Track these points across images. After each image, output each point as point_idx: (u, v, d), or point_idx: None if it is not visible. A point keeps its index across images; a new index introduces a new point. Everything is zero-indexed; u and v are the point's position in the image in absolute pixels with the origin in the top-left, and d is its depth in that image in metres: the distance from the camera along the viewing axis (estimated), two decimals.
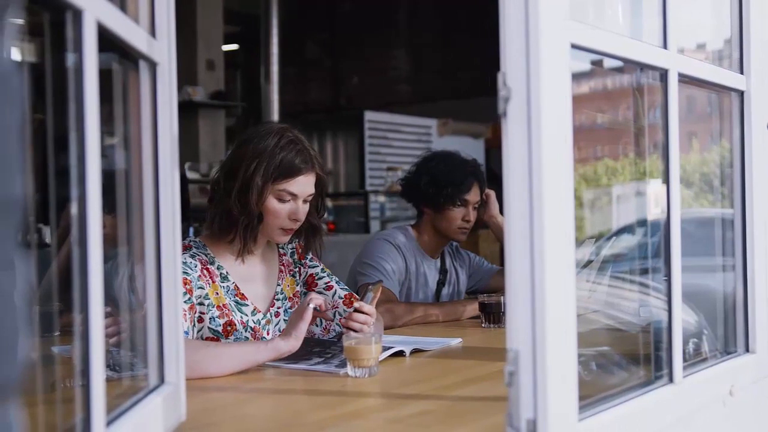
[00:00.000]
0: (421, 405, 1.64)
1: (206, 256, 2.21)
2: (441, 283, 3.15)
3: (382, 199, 7.81)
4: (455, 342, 2.36)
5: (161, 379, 1.38)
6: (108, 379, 1.07)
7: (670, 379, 1.53)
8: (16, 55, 0.62)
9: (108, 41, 1.12)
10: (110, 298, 1.26)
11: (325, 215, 2.44)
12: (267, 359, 1.97)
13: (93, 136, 1.01)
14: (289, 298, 2.37)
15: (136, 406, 1.24)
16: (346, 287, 2.45)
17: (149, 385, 1.36)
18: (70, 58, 1.01)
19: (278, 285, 2.35)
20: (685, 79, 1.58)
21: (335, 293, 2.40)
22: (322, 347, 2.16)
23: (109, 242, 1.15)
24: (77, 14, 0.99)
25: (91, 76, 1.01)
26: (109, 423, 1.09)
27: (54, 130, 1.08)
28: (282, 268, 2.38)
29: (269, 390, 1.80)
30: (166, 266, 1.38)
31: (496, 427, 1.42)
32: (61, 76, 1.03)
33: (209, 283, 2.18)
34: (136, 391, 1.31)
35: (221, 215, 2.20)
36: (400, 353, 2.12)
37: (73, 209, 1.00)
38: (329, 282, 2.43)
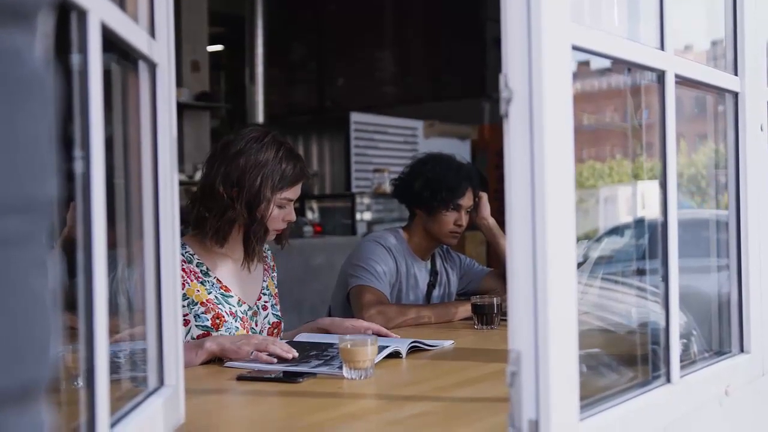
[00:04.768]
0: (419, 406, 1.64)
1: (183, 255, 2.24)
2: (432, 285, 3.15)
3: (368, 200, 7.79)
4: (448, 344, 2.36)
5: (161, 382, 1.37)
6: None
7: (668, 379, 1.54)
8: (47, 54, 0.61)
9: (108, 41, 1.12)
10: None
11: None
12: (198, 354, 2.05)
13: (98, 137, 1.00)
14: (274, 295, 2.47)
15: (137, 408, 1.23)
16: (279, 314, 2.50)
17: (149, 388, 1.35)
18: (74, 59, 1.00)
19: (264, 281, 2.44)
20: (680, 80, 1.59)
21: (267, 314, 2.46)
22: (318, 350, 2.15)
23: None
24: (82, 15, 0.98)
25: (95, 76, 1.00)
26: (112, 425, 1.08)
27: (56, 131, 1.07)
28: (266, 267, 2.48)
29: (267, 392, 1.79)
30: (166, 268, 1.38)
31: (496, 428, 1.42)
32: (63, 76, 1.02)
33: (188, 282, 2.23)
34: (135, 394, 1.31)
35: (227, 224, 2.27)
36: (396, 354, 2.12)
37: (78, 211, 0.99)
38: (275, 303, 2.51)
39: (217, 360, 2.09)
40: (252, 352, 2.03)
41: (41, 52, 0.61)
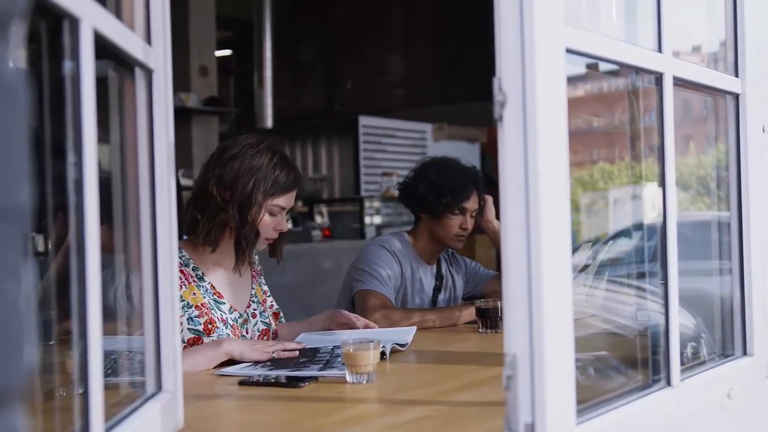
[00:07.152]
0: (419, 410, 1.63)
1: (180, 258, 2.26)
2: (437, 289, 3.14)
3: (377, 204, 7.78)
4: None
5: (159, 387, 1.38)
6: (105, 386, 1.07)
7: (668, 383, 1.53)
8: (21, 62, 0.62)
9: (103, 48, 1.12)
10: (106, 307, 1.27)
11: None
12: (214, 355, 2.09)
13: (90, 144, 1.01)
14: (261, 302, 2.49)
15: (135, 413, 1.24)
16: (267, 321, 2.53)
17: (147, 393, 1.35)
18: (67, 66, 1.01)
19: (252, 288, 2.47)
20: (680, 83, 1.59)
21: (257, 321, 2.48)
22: (307, 356, 2.15)
23: (105, 251, 1.15)
24: (74, 22, 0.99)
25: (88, 83, 1.01)
26: (107, 430, 1.08)
27: (49, 138, 1.08)
28: (254, 274, 2.51)
29: (267, 397, 1.79)
30: (163, 273, 1.38)
31: None
32: (57, 84, 1.03)
33: (185, 285, 2.27)
34: (133, 399, 1.31)
35: (218, 227, 2.29)
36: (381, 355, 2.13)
37: (71, 218, 1.00)
38: (271, 302, 2.57)
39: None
40: (273, 352, 2.12)
41: (15, 60, 0.61)
